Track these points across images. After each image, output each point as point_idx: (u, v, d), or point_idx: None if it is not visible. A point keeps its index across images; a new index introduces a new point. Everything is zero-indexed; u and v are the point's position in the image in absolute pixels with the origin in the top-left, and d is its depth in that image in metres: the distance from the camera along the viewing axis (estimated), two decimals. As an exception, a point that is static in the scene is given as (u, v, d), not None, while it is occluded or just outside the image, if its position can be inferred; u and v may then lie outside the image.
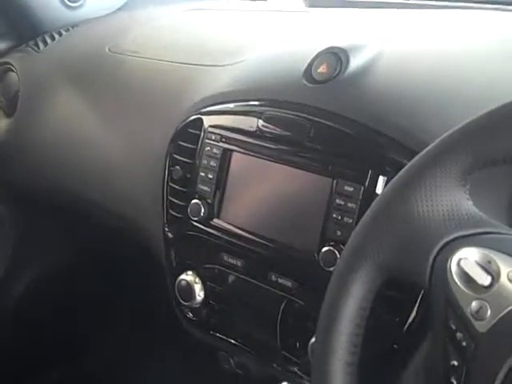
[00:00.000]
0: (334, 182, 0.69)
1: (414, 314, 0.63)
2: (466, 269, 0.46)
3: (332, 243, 0.68)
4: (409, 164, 0.50)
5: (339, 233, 0.68)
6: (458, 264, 0.46)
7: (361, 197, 0.67)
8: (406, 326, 0.64)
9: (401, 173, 0.51)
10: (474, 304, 0.45)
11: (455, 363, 0.45)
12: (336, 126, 0.70)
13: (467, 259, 0.46)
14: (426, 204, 0.49)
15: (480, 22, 0.82)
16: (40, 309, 1.20)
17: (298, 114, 0.73)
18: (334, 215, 0.68)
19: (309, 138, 0.71)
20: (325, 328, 0.52)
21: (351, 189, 0.67)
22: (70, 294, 1.21)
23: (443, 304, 0.47)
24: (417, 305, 0.63)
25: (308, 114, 0.72)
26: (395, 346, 0.65)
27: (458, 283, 0.46)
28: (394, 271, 0.51)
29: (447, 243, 0.48)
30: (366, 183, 0.66)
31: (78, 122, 1.04)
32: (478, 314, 0.44)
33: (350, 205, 0.67)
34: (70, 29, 1.18)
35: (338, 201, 0.68)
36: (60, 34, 1.17)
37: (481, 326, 0.44)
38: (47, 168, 1.08)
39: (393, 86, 0.70)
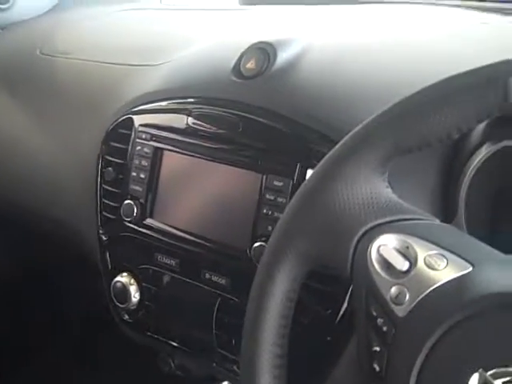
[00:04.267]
0: (264, 177, 0.69)
1: (345, 305, 0.64)
2: (385, 255, 0.46)
3: (263, 239, 0.68)
4: (327, 155, 0.50)
5: (270, 228, 0.67)
6: (378, 251, 0.47)
7: (290, 191, 0.67)
8: (339, 317, 0.64)
9: (320, 164, 0.51)
10: (394, 289, 0.45)
11: (377, 349, 0.46)
12: (264, 121, 0.70)
13: (386, 246, 0.47)
14: (345, 193, 0.49)
15: (405, 15, 0.83)
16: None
17: (227, 110, 0.72)
18: (265, 210, 0.68)
19: (238, 133, 0.71)
20: (251, 320, 0.51)
21: (281, 183, 0.67)
22: (11, 304, 1.17)
23: (364, 291, 0.47)
24: (348, 296, 0.63)
25: (237, 110, 0.72)
26: (329, 338, 0.65)
27: (378, 269, 0.46)
28: (317, 261, 0.51)
29: (367, 231, 0.48)
30: (295, 177, 0.66)
31: (9, 127, 1.01)
32: (397, 298, 0.45)
33: (279, 199, 0.67)
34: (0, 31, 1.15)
35: (268, 196, 0.68)
36: (-11, 37, 1.14)
37: (400, 311, 0.45)
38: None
39: (319, 80, 0.70)
